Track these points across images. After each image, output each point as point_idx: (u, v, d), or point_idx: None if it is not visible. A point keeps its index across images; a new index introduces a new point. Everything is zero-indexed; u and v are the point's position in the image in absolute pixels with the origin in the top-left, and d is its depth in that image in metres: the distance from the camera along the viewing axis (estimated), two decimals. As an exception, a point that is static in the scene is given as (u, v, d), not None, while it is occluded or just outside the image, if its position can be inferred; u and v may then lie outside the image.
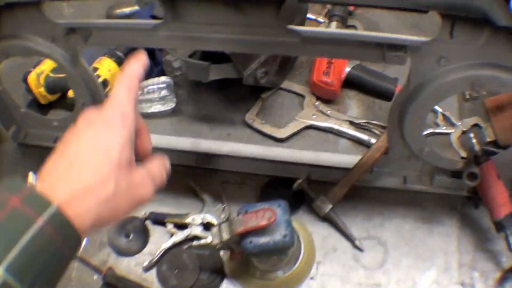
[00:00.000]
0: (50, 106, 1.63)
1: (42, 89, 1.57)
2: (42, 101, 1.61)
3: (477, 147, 1.26)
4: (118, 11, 1.72)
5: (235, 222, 1.13)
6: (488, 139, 1.41)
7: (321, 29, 0.99)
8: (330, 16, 1.69)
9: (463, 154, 1.41)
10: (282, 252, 1.19)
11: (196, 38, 1.05)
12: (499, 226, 1.19)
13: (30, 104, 1.62)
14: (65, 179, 0.62)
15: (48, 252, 0.57)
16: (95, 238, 1.38)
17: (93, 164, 0.64)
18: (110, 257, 1.35)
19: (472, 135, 1.31)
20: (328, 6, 1.77)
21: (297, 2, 0.94)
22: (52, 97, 1.62)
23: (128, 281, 1.29)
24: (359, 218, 1.35)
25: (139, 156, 0.76)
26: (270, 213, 1.10)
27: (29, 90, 1.59)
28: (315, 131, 1.50)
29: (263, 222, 1.09)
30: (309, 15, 1.75)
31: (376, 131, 1.46)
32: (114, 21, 1.09)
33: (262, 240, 1.10)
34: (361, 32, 0.96)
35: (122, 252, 1.35)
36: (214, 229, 1.19)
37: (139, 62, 0.77)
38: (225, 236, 1.15)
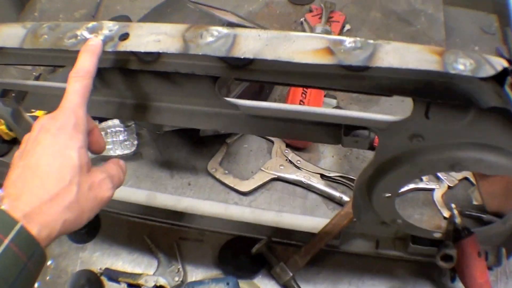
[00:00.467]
0: (14, 141, 1.44)
1: (3, 127, 1.40)
2: (5, 137, 1.44)
3: (458, 220, 1.02)
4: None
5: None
6: (475, 203, 1.17)
7: (266, 103, 0.74)
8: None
9: (446, 214, 1.18)
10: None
11: (131, 107, 0.83)
12: (477, 308, 0.98)
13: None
14: (30, 189, 0.59)
15: (16, 271, 0.55)
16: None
17: (55, 171, 0.60)
18: (64, 311, 1.17)
19: (453, 205, 1.07)
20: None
21: (233, 79, 0.71)
22: (14, 133, 1.42)
23: None
24: (323, 286, 1.13)
25: (95, 153, 0.72)
26: (214, 296, 0.96)
27: (-8, 126, 1.42)
28: (282, 183, 1.27)
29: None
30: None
31: (350, 187, 1.24)
32: (47, 84, 0.85)
33: (206, 322, 0.95)
34: (313, 108, 0.72)
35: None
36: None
37: (92, 54, 0.66)
38: (169, 315, 0.99)
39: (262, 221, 1.15)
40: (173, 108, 0.82)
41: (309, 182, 1.24)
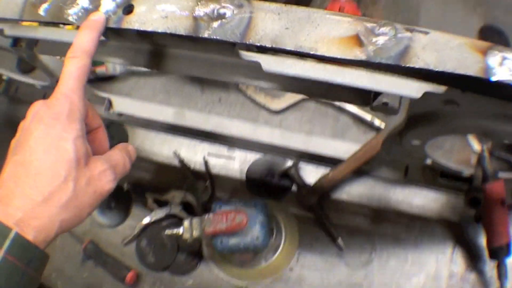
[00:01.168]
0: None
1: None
2: (30, 60, 1.38)
3: (487, 162, 0.96)
4: None
5: (206, 221, 0.99)
6: (507, 142, 1.08)
7: (289, 62, 0.67)
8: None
9: (478, 148, 1.10)
10: (254, 252, 1.05)
11: (147, 53, 0.76)
12: (493, 254, 0.97)
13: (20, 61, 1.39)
14: (22, 191, 0.53)
15: (15, 281, 0.51)
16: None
17: (48, 168, 0.54)
18: (92, 226, 1.20)
19: (484, 146, 0.99)
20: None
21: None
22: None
23: (107, 256, 1.16)
24: (349, 209, 1.12)
25: (95, 154, 0.62)
26: (241, 217, 0.96)
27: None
28: (314, 104, 1.20)
29: (232, 226, 0.96)
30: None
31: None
32: (59, 31, 0.78)
33: (233, 241, 0.98)
34: (342, 72, 0.65)
35: (104, 224, 1.20)
36: (186, 223, 1.02)
37: (91, 31, 0.59)
38: (196, 233, 1.00)
39: (291, 143, 1.11)
40: (191, 56, 0.75)
41: (341, 104, 1.17)
